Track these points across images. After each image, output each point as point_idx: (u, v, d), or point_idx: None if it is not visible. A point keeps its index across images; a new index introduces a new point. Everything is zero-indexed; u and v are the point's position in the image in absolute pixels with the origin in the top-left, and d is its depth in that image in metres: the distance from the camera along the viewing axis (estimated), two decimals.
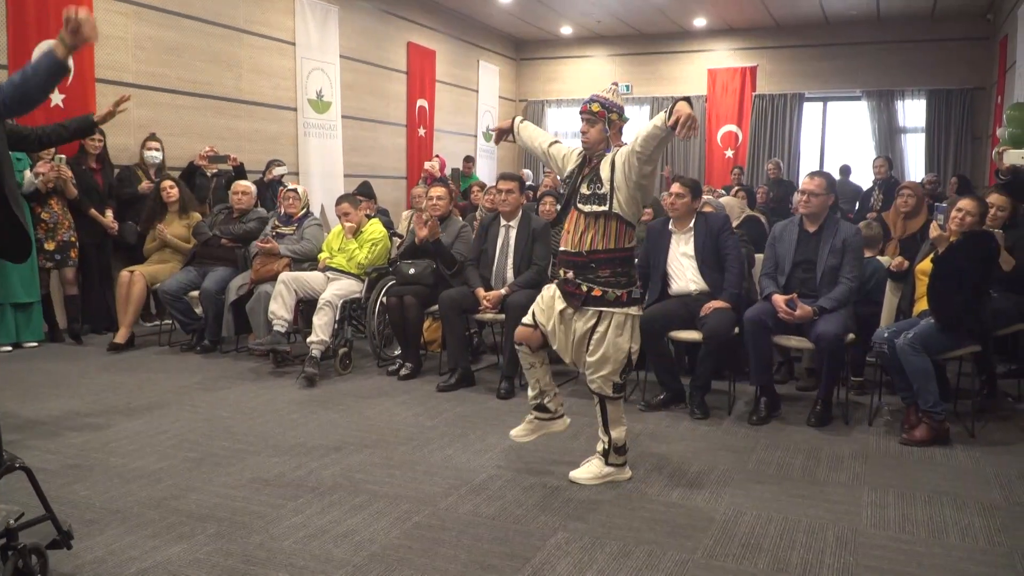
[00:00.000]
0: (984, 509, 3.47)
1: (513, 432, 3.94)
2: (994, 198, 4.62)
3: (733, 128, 13.54)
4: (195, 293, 6.32)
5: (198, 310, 6.40)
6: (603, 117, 3.69)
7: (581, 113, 3.74)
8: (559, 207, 3.98)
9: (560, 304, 3.73)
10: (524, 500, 3.51)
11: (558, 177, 4.16)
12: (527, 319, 3.83)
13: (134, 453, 4.02)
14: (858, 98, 12.91)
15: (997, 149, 5.34)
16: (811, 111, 13.48)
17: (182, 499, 3.45)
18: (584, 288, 3.66)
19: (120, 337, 6.38)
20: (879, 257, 5.41)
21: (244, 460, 3.95)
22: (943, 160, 12.28)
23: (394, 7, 11.47)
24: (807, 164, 13.08)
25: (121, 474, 3.73)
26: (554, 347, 3.79)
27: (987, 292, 4.53)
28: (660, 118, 3.44)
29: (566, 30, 14.01)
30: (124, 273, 6.52)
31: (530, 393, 3.91)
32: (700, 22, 13.17)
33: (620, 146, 3.73)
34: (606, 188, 3.64)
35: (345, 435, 4.39)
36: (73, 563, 2.84)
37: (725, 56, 13.73)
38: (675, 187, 5.17)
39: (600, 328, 3.66)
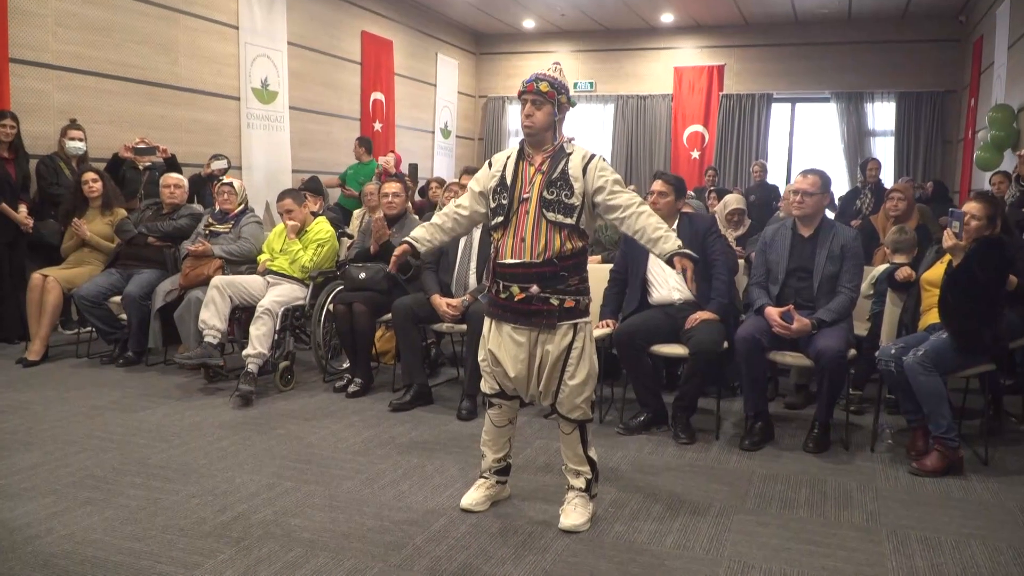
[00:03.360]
0: (1020, 556, 2.99)
1: (468, 502, 3.34)
2: (969, 206, 4.16)
3: (700, 128, 13.11)
4: (117, 298, 5.62)
5: (122, 317, 5.70)
6: (552, 98, 3.13)
7: (525, 94, 3.14)
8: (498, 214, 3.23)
9: (518, 338, 3.16)
10: (493, 552, 2.95)
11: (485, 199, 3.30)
12: (492, 389, 3.28)
13: (26, 493, 3.37)
14: (827, 100, 12.55)
15: (1019, 152, 4.88)
16: (779, 112, 13.09)
17: (74, 555, 2.82)
18: (555, 302, 3.12)
19: (32, 353, 5.63)
20: (882, 265, 4.92)
21: (157, 502, 3.32)
22: (913, 164, 11.97)
23: None
24: (775, 167, 12.68)
25: (6, 522, 3.08)
26: (527, 397, 3.28)
27: (1002, 304, 4.07)
28: (672, 244, 3.10)
29: (528, 24, 13.46)
30: (36, 277, 5.76)
31: (494, 456, 3.37)
32: (667, 18, 12.72)
33: (566, 140, 3.21)
34: (576, 199, 3.10)
35: (281, 467, 3.77)
36: None
37: (692, 54, 13.28)
38: (657, 185, 4.63)
39: (577, 344, 3.15)
